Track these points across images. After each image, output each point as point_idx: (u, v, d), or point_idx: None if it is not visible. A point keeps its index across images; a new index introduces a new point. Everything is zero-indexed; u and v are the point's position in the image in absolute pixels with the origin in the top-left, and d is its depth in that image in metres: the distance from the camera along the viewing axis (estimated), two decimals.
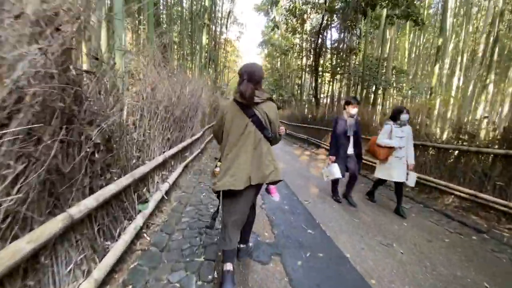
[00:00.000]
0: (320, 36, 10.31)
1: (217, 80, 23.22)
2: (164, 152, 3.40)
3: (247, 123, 1.81)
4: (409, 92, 8.65)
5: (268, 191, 2.35)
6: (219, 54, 20.76)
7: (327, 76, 13.65)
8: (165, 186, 3.25)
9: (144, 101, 2.68)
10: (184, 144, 4.43)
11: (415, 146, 5.64)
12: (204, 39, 6.86)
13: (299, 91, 20.16)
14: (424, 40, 14.54)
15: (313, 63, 11.40)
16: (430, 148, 5.25)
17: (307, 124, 13.07)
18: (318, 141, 10.98)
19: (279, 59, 24.70)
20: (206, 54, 14.94)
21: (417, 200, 4.76)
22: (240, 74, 1.84)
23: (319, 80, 17.46)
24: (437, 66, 7.34)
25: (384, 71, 8.80)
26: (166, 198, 3.10)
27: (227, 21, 16.95)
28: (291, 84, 22.58)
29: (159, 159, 3.01)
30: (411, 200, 4.77)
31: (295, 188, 4.85)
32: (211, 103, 9.72)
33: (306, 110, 14.50)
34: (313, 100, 15.40)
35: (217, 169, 1.89)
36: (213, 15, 20.33)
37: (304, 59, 16.30)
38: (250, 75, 1.79)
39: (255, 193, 1.95)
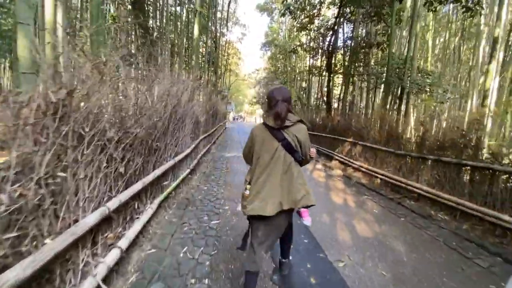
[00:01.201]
0: (334, 32, 8.96)
1: (217, 84, 22.05)
2: (111, 198, 2.03)
3: (277, 147, 1.80)
4: (439, 96, 7.23)
5: (299, 213, 2.19)
6: (219, 56, 19.58)
7: (338, 77, 12.29)
8: (108, 261, 1.88)
9: (48, 117, 1.35)
10: (158, 172, 3.07)
11: (474, 168, 4.25)
12: (197, 30, 5.56)
13: (304, 95, 18.83)
14: (448, 36, 13.14)
15: (326, 62, 10.04)
16: (500, 175, 3.82)
17: (316, 131, 11.69)
18: (331, 151, 9.58)
19: (284, 61, 23.44)
20: (202, 51, 13.64)
21: (492, 251, 3.33)
22: (270, 97, 1.86)
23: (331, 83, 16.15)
24: (493, 64, 5.91)
25: (409, 72, 7.42)
26: (105, 287, 1.72)
27: (227, 13, 15.62)
28: (296, 87, 21.26)
29: (88, 221, 1.64)
30: (482, 250, 3.34)
31: (318, 233, 3.44)
32: (207, 109, 8.40)
33: (314, 116, 13.12)
34: (324, 105, 14.04)
35: (247, 192, 1.86)
36: (212, 17, 19.20)
37: (312, 60, 14.97)
38: (283, 96, 1.82)
39: (286, 218, 1.90)
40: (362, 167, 7.28)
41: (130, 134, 2.14)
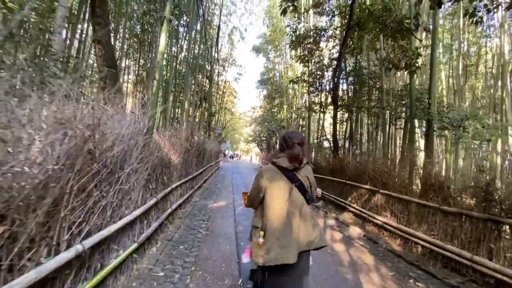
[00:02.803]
0: (339, 61, 7.92)
1: (211, 121, 21.12)
2: None
3: (292, 189, 1.78)
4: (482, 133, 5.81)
5: None
6: (211, 93, 18.91)
7: (344, 113, 11.10)
8: None
9: None
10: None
11: None
12: (163, 41, 4.27)
13: (304, 133, 17.66)
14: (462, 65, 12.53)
15: (332, 95, 8.84)
16: None
17: (321, 174, 9.99)
18: (341, 200, 7.77)
19: (281, 98, 22.82)
20: (192, 88, 12.74)
21: None
22: (286, 139, 1.85)
23: (327, 118, 14.94)
24: None
25: (430, 104, 6.12)
26: None
27: (217, 40, 15.09)
28: (293, 125, 20.21)
29: None
30: None
31: None
32: (188, 148, 6.78)
33: (316, 156, 11.59)
34: (326, 144, 12.66)
35: (261, 240, 1.70)
36: (208, 56, 19.07)
37: (311, 95, 14.06)
38: (300, 139, 1.85)
39: (307, 258, 1.81)
40: (388, 225, 5.45)
41: None
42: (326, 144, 15.01)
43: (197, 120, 18.91)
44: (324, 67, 10.25)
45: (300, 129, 18.91)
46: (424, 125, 8.39)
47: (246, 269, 2.96)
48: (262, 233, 1.71)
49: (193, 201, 7.46)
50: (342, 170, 8.20)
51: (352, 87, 10.59)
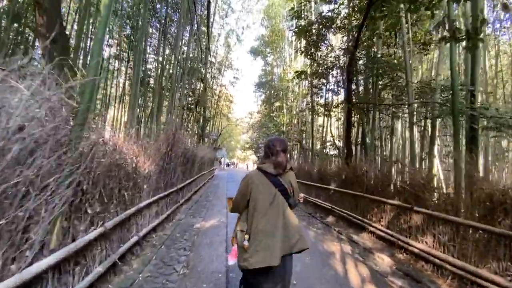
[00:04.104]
0: (354, 48, 6.71)
1: (205, 126, 19.91)
2: None
3: (275, 193, 1.82)
4: None
5: None
6: (206, 96, 17.70)
7: (355, 116, 9.77)
8: None
9: None
10: None
11: None
12: None
13: (307, 140, 16.35)
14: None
15: (346, 87, 7.62)
16: None
17: (328, 184, 8.66)
18: (358, 217, 6.40)
19: (280, 102, 21.61)
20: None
21: None
22: (271, 146, 1.89)
23: (337, 119, 13.73)
24: None
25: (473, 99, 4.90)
26: None
27: (207, 19, 13.65)
28: (293, 130, 18.94)
29: None
30: None
31: None
32: (167, 153, 5.41)
33: (322, 164, 10.26)
34: (332, 150, 11.38)
35: (246, 243, 1.71)
36: (201, 60, 17.95)
37: (314, 96, 12.86)
38: (284, 146, 1.89)
39: (288, 264, 1.82)
40: (431, 255, 4.09)
41: None
42: (329, 150, 13.76)
43: (190, 125, 17.66)
44: (331, 62, 9.08)
45: (301, 135, 17.65)
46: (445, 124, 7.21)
47: None
48: (247, 236, 1.73)
49: (176, 220, 6.03)
50: (357, 181, 6.85)
51: (363, 84, 9.41)
